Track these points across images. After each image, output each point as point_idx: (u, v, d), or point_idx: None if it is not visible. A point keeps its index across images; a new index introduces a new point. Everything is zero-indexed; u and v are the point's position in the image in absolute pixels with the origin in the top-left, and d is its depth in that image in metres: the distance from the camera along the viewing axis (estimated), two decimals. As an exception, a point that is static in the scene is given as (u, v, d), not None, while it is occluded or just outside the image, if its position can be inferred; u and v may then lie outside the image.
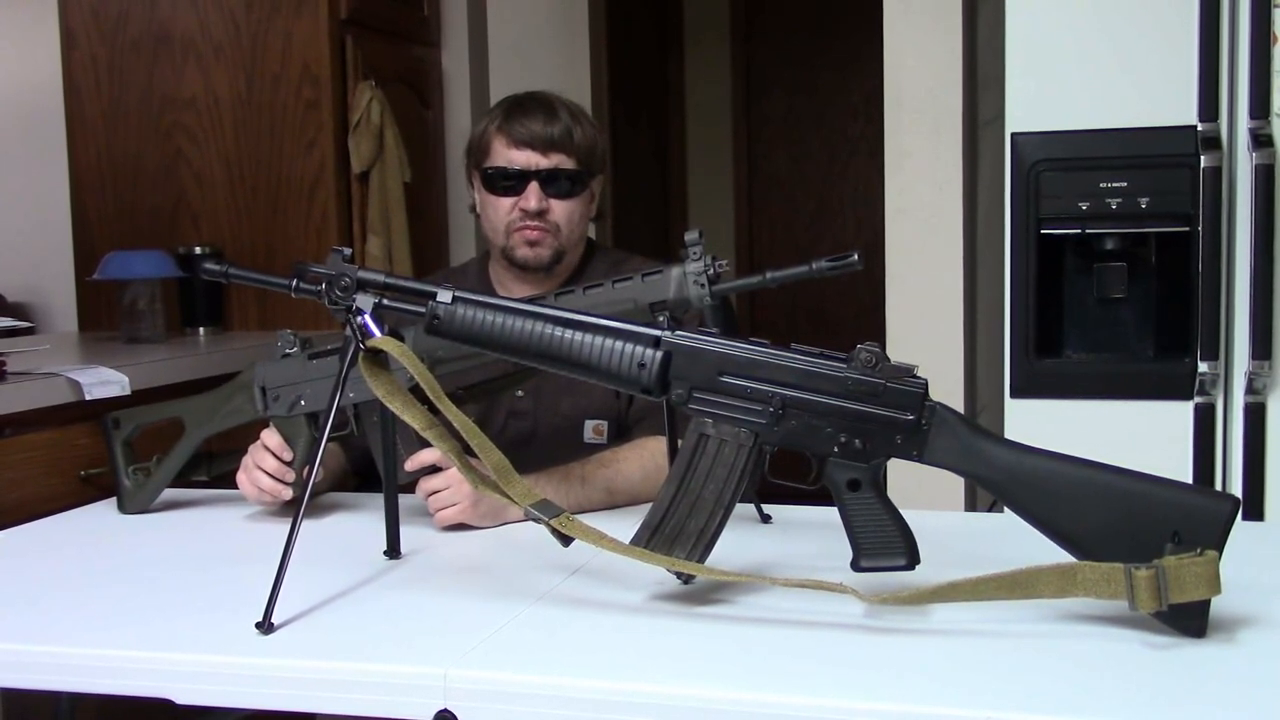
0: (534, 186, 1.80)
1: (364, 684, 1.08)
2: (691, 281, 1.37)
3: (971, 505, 2.56)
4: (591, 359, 1.23)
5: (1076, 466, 1.15)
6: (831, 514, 1.23)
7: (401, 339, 1.27)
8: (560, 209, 1.82)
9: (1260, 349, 2.05)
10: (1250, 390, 2.10)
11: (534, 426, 1.84)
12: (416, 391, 1.25)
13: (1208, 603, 1.08)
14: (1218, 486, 2.13)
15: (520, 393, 1.84)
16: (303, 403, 1.60)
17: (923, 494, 2.18)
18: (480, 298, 1.26)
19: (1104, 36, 2.16)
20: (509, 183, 1.81)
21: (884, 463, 1.21)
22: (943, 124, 2.67)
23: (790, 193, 5.14)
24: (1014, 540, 1.20)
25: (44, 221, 3.36)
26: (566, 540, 1.20)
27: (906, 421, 1.18)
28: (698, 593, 1.25)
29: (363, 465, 1.82)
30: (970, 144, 2.74)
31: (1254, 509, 2.11)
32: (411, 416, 1.23)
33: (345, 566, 1.38)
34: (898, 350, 2.59)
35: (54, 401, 2.03)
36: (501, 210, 1.82)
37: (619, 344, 1.23)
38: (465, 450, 1.25)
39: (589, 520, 1.23)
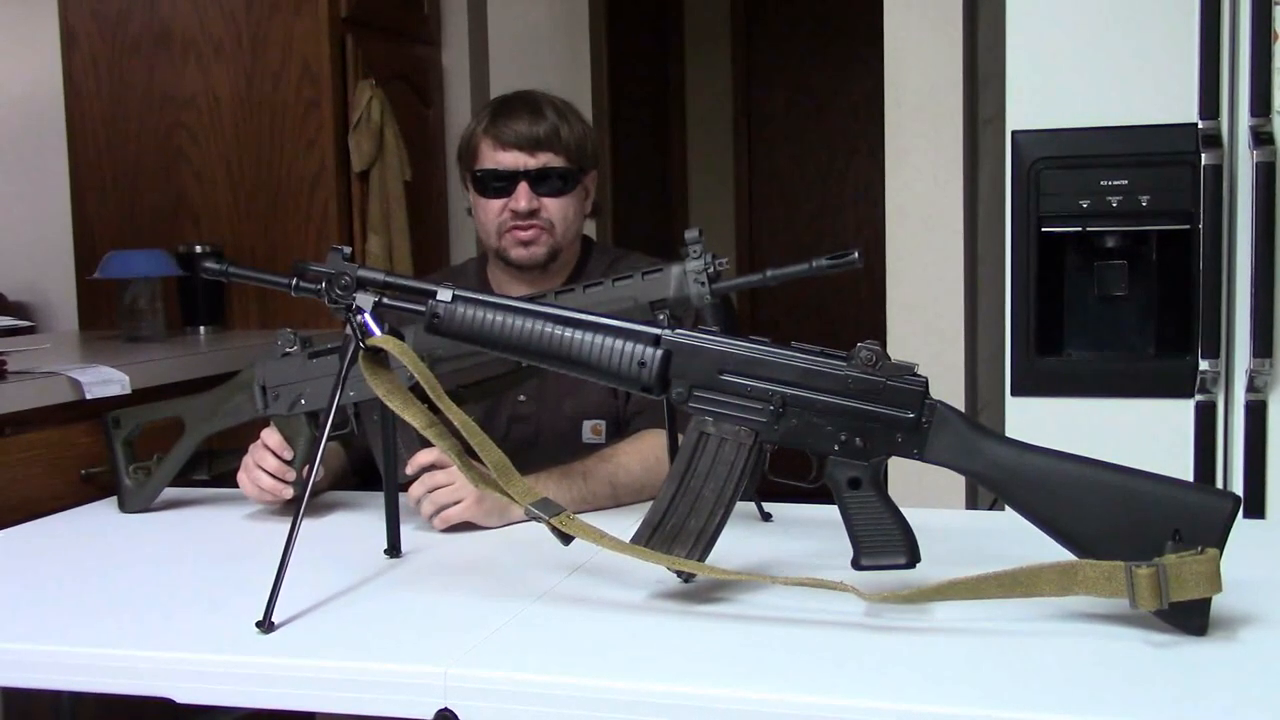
0: (523, 187, 1.80)
1: (364, 683, 1.08)
2: (692, 280, 1.37)
3: (972, 503, 2.56)
4: (591, 357, 1.23)
5: (1077, 465, 1.15)
6: (832, 512, 1.23)
7: (402, 337, 1.27)
8: (553, 207, 1.82)
9: (1261, 347, 2.05)
10: (1251, 388, 2.10)
11: (536, 430, 1.84)
12: (416, 390, 1.25)
13: (1208, 601, 1.08)
14: (1218, 484, 2.13)
15: (522, 397, 1.83)
16: (303, 401, 1.60)
17: (923, 492, 2.19)
18: (480, 296, 1.26)
19: (1105, 34, 2.15)
20: (499, 184, 1.81)
21: (884, 461, 1.21)
22: (943, 122, 2.66)
23: (791, 191, 5.14)
24: (1015, 538, 1.20)
25: (44, 220, 3.36)
26: (567, 539, 1.20)
27: (907, 420, 1.18)
28: (698, 591, 1.25)
29: (363, 464, 1.82)
30: (971, 142, 2.74)
31: (1255, 507, 2.10)
32: (411, 415, 1.23)
33: (346, 565, 1.38)
34: (898, 348, 2.60)
35: (54, 400, 2.03)
36: (492, 212, 1.82)
37: (619, 342, 1.23)
38: (465, 449, 1.25)
39: (589, 519, 1.23)
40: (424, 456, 1.53)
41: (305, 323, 2.75)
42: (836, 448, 1.20)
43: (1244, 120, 2.08)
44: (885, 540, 1.20)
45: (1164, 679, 1.01)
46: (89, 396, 2.05)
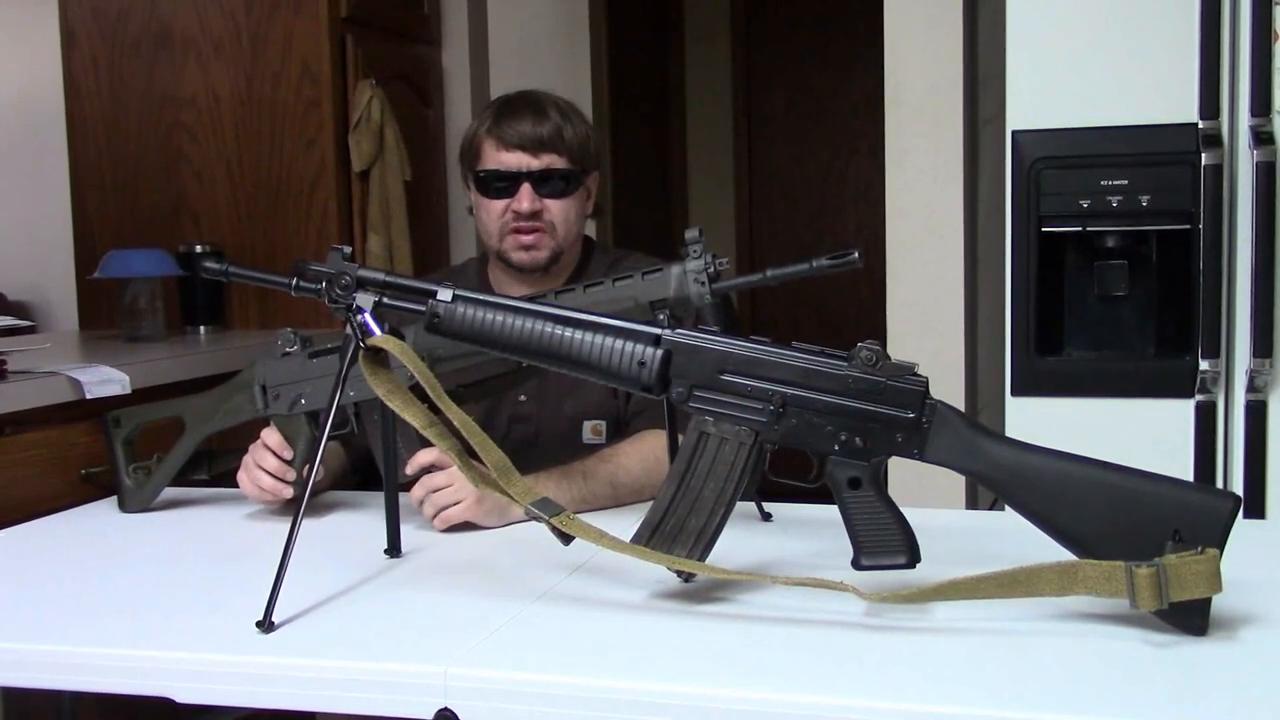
0: (526, 188, 1.80)
1: (364, 682, 1.08)
2: (692, 279, 1.37)
3: (972, 503, 2.56)
4: (591, 357, 1.23)
5: (1077, 465, 1.15)
6: (832, 512, 1.23)
7: (402, 337, 1.27)
8: (555, 208, 1.81)
9: (1261, 347, 2.05)
10: (1251, 388, 2.10)
11: (537, 430, 1.84)
12: (416, 390, 1.25)
13: (1208, 601, 1.08)
14: (1219, 484, 2.13)
15: (523, 397, 1.83)
16: (303, 401, 1.60)
17: (923, 492, 2.18)
18: (480, 296, 1.26)
19: (1105, 34, 2.15)
20: (501, 185, 1.81)
21: (885, 461, 1.21)
22: (943, 122, 2.66)
23: (791, 191, 5.14)
24: (1015, 538, 1.20)
25: (44, 220, 3.36)
26: (567, 539, 1.20)
27: (907, 419, 1.18)
28: (698, 591, 1.25)
29: (363, 464, 1.82)
30: (971, 142, 2.74)
31: (1255, 507, 2.10)
32: (412, 415, 1.23)
33: (346, 565, 1.38)
34: (898, 348, 2.60)
35: (54, 400, 2.03)
36: (494, 213, 1.82)
37: (619, 342, 1.23)
38: (466, 449, 1.25)
39: (590, 519, 1.23)
40: (424, 456, 1.54)
41: (305, 322, 2.75)
42: (837, 447, 1.20)
43: (1244, 120, 2.08)
44: (885, 540, 1.20)
45: (1164, 679, 1.01)
46: (89, 396, 2.05)
